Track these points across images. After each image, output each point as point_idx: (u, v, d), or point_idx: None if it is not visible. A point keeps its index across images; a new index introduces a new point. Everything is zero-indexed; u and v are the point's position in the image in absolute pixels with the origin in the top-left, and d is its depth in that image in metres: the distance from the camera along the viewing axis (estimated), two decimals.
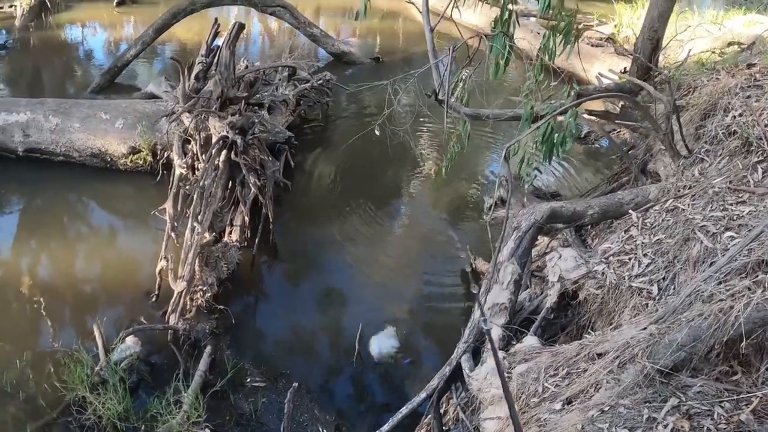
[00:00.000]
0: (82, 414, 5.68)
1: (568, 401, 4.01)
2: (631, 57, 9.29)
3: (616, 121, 8.18)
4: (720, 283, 4.05)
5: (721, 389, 3.69)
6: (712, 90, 6.61)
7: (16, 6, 16.61)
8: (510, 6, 5.51)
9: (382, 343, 6.47)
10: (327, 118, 11.48)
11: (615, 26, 14.63)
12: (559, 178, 9.80)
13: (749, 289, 3.83)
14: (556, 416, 3.93)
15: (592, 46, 13.20)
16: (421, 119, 10.53)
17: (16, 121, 9.66)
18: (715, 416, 3.52)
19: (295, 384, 5.46)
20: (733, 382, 3.77)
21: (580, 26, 15.31)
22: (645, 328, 4.02)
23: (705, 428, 3.48)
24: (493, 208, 7.44)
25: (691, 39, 10.72)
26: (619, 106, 8.74)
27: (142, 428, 5.44)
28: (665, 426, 3.52)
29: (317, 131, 11.10)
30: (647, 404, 3.67)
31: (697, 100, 6.77)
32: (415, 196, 9.54)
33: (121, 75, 12.71)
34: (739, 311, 3.64)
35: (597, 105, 9.71)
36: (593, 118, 7.99)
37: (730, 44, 10.28)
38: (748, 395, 3.60)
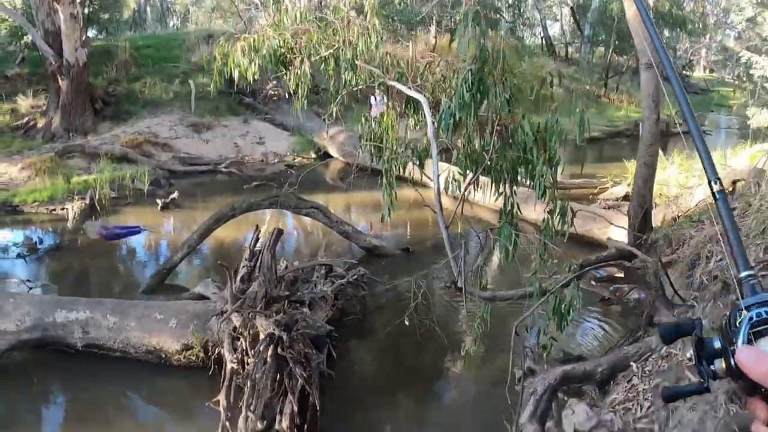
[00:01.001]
0: None
1: None
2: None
3: (617, 285, 8.89)
4: None
5: None
6: (697, 241, 7.34)
7: (67, 209, 18.00)
8: (512, 199, 6.46)
9: None
10: (364, 310, 12.20)
11: (628, 184, 15.32)
12: (589, 338, 10.38)
13: None
14: None
15: (606, 208, 13.92)
16: (450, 302, 11.35)
17: (76, 318, 10.55)
18: None
19: None
20: None
21: (595, 191, 16.16)
22: None
23: None
24: (522, 378, 8.08)
25: (699, 184, 11.41)
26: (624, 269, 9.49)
27: None
28: None
29: (355, 323, 11.77)
30: None
31: (685, 252, 7.47)
32: (450, 374, 10.09)
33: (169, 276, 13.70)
34: None
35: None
36: (599, 284, 8.67)
37: (734, 182, 10.95)
38: None
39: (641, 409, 5.96)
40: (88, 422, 9.14)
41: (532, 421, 6.45)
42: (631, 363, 6.70)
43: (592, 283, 9.66)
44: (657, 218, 12.09)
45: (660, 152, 13.72)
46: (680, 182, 15.64)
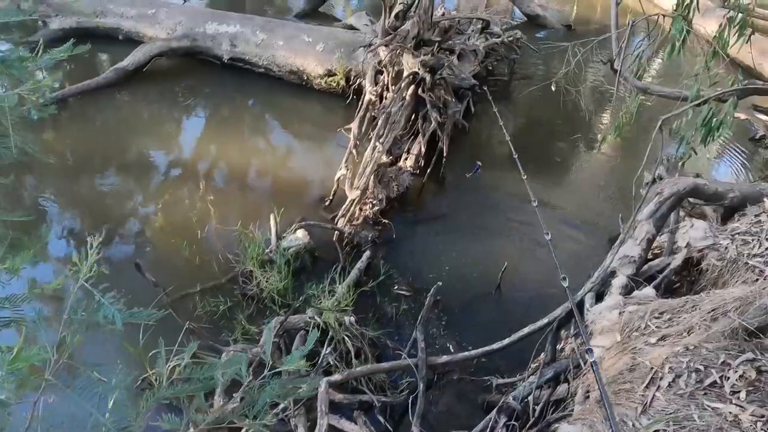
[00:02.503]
0: (247, 284, 6.52)
1: (662, 338, 4.43)
2: None
3: None
4: None
5: None
6: None
7: None
8: None
9: None
10: (512, 75, 11.81)
11: None
12: (728, 178, 9.76)
13: None
14: (648, 347, 4.35)
15: None
16: (600, 89, 10.78)
17: (226, 32, 10.65)
18: None
19: (439, 283, 5.92)
20: None
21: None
22: (744, 291, 4.36)
23: None
24: (650, 183, 7.63)
25: None
26: None
27: (297, 305, 6.03)
28: (735, 371, 3.90)
29: (501, 86, 11.43)
30: (726, 351, 4.05)
31: None
32: (578, 159, 9.80)
33: (324, 5, 13.43)
34: None
35: None
36: (761, 115, 7.99)
37: None
38: None
39: (759, 246, 5.54)
40: (226, 134, 9.43)
41: (649, 221, 6.12)
42: (765, 199, 6.21)
43: (754, 112, 8.83)
44: None
45: None
46: None
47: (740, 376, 3.88)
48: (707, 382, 3.91)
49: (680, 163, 7.31)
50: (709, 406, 3.75)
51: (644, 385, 4.02)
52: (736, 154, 10.09)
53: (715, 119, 5.56)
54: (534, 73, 11.95)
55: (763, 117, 8.14)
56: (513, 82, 11.67)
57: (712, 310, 4.37)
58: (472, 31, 11.07)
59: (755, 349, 4.03)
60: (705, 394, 3.85)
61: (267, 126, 9.87)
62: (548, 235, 4.41)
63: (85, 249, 2.44)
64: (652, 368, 4.10)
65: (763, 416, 3.61)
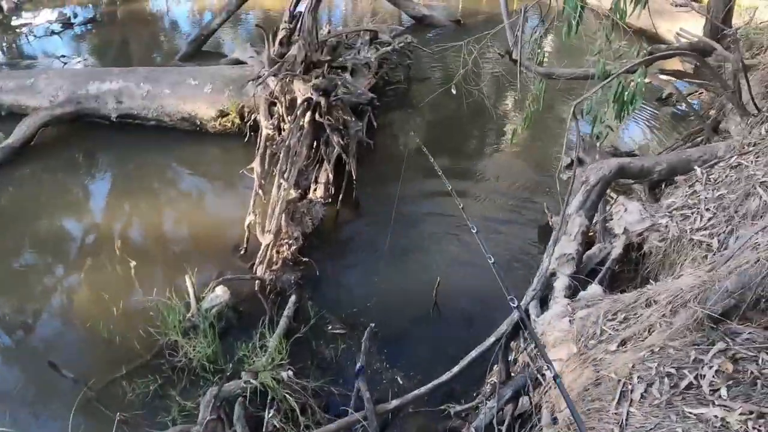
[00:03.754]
0: (174, 356, 6.08)
1: (623, 343, 4.17)
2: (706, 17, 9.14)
3: (685, 79, 8.11)
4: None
5: None
6: None
7: None
8: None
9: None
10: (409, 80, 11.58)
11: None
12: (638, 139, 9.82)
13: None
14: (610, 356, 4.10)
15: (676, 6, 12.87)
16: (501, 81, 10.63)
17: (109, 89, 10.16)
18: (760, 362, 3.62)
19: (372, 324, 5.77)
20: None
21: None
22: (699, 277, 4.11)
23: (749, 372, 3.59)
24: (569, 166, 7.47)
25: None
26: (694, 65, 8.64)
27: (229, 372, 5.73)
28: (710, 367, 3.65)
29: (399, 93, 11.22)
30: (695, 347, 3.81)
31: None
32: (493, 155, 9.67)
33: (207, 43, 13.04)
34: None
35: (676, 64, 9.62)
36: (666, 77, 7.93)
37: None
38: None
39: (701, 219, 5.36)
40: (128, 198, 8.86)
41: (580, 213, 5.94)
42: (695, 167, 6.08)
43: (659, 76, 8.78)
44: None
45: None
46: None
47: (716, 371, 3.62)
48: (682, 385, 3.64)
49: (598, 143, 7.18)
50: (691, 413, 3.48)
51: (615, 400, 3.73)
52: (646, 116, 10.10)
53: (627, 92, 5.38)
54: (432, 75, 11.77)
55: (667, 78, 8.05)
56: (412, 88, 11.45)
57: (670, 303, 4.10)
58: (362, 43, 10.83)
59: (724, 337, 3.78)
60: (683, 399, 3.58)
61: (168, 182, 9.34)
62: (491, 259, 4.16)
63: None
64: (619, 380, 3.82)
65: (752, 413, 3.35)
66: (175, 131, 10.08)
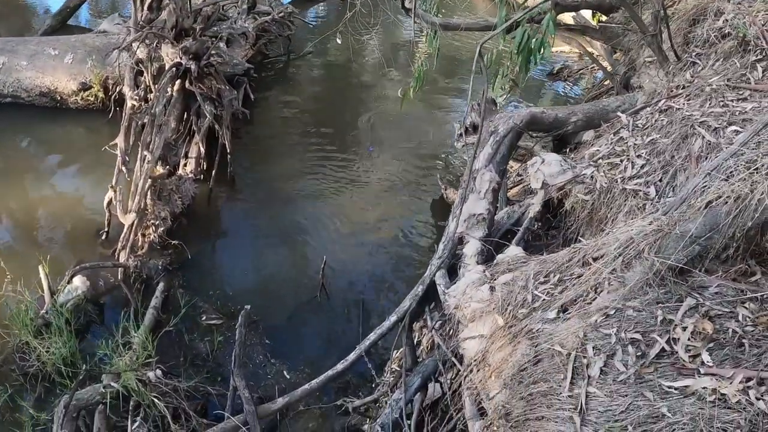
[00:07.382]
0: (26, 361, 5.33)
1: (564, 309, 3.65)
2: None
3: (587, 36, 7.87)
4: (730, 175, 3.69)
5: (742, 289, 3.33)
6: None
7: None
8: None
9: None
10: (290, 53, 10.90)
11: None
12: (546, 101, 9.61)
13: None
14: (550, 326, 3.57)
15: None
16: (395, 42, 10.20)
17: None
18: (740, 318, 3.20)
19: (247, 306, 5.20)
20: (752, 282, 3.43)
21: None
22: (651, 223, 3.59)
23: (731, 331, 3.14)
24: (464, 134, 6.98)
25: None
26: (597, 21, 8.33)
27: (82, 375, 4.91)
28: (684, 328, 3.18)
29: (280, 67, 10.60)
30: (660, 305, 3.32)
31: (684, 6, 6.47)
32: (380, 125, 9.09)
33: (74, 18, 12.02)
34: (763, 193, 3.25)
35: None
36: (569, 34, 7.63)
37: None
38: None
39: (632, 167, 4.96)
40: None
41: (489, 167, 5.43)
42: (619, 113, 5.72)
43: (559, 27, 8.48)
44: None
45: None
46: None
47: (692, 333, 3.14)
48: (652, 353, 3.14)
49: (494, 105, 6.75)
50: (671, 387, 2.95)
51: (567, 380, 3.17)
52: (537, 91, 9.81)
53: (534, 40, 4.87)
54: (314, 49, 11.12)
55: (567, 35, 7.79)
56: (292, 62, 10.78)
57: (620, 256, 3.57)
58: (239, 13, 10.10)
59: (692, 292, 3.30)
60: (657, 370, 3.06)
61: (22, 164, 8.36)
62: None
63: None
64: (568, 354, 3.26)
65: (749, 379, 2.84)
66: (33, 108, 9.10)
